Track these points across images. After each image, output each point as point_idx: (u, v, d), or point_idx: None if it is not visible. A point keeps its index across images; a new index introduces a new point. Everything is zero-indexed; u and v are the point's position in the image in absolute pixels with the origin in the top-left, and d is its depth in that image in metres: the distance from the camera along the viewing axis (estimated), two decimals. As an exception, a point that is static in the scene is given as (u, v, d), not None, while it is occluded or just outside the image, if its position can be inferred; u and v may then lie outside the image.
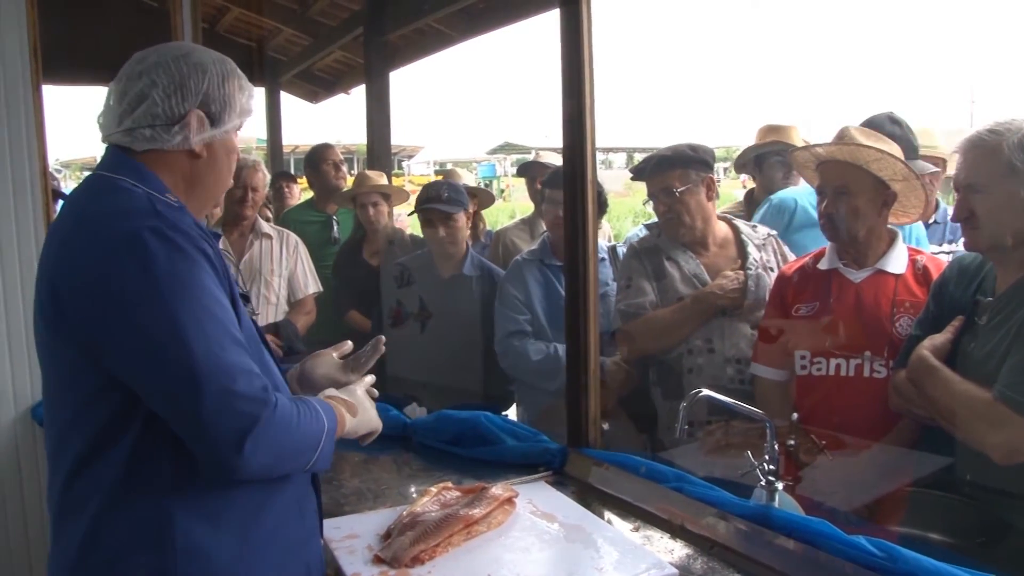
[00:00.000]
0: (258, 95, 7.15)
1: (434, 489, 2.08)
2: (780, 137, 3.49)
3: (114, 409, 1.47)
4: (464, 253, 3.53)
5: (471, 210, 3.63)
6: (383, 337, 1.93)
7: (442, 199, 3.41)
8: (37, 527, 2.88)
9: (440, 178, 5.08)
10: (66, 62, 3.00)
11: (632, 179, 3.18)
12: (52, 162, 3.18)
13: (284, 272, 3.98)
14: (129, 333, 1.41)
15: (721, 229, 2.93)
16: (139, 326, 1.40)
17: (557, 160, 3.89)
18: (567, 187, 2.30)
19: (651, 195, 2.89)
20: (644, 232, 3.13)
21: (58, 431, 1.55)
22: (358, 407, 1.75)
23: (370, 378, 1.86)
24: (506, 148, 30.56)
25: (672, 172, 2.82)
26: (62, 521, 1.54)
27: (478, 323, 3.48)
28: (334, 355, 1.89)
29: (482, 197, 4.45)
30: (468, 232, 3.58)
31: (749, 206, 3.51)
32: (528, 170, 4.46)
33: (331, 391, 1.76)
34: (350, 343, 1.94)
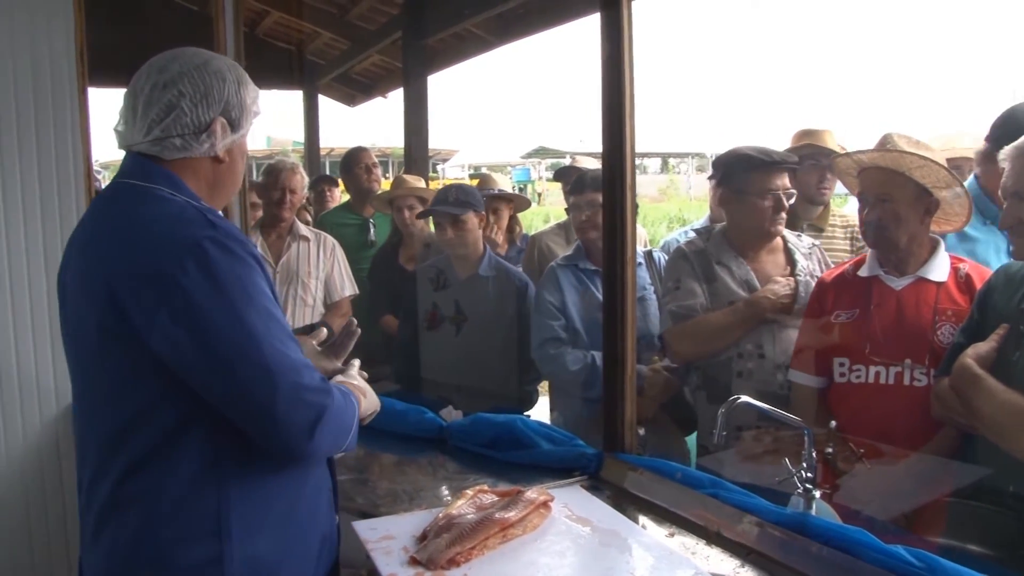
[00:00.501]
0: (296, 98, 7.23)
1: (470, 492, 2.08)
2: (815, 141, 3.46)
3: (176, 413, 1.54)
4: (480, 254, 3.53)
5: (484, 210, 3.62)
6: (355, 320, 2.01)
7: (448, 201, 3.42)
8: (76, 522, 2.92)
9: (475, 182, 5.10)
10: (110, 66, 3.06)
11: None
12: (94, 164, 3.23)
13: (321, 274, 4.03)
14: (203, 339, 1.47)
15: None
16: (213, 331, 1.48)
17: (593, 165, 3.89)
18: (606, 191, 2.30)
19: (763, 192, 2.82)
20: (690, 235, 3.12)
21: (108, 435, 1.58)
22: (366, 390, 1.87)
23: (356, 361, 1.96)
24: (540, 152, 30.59)
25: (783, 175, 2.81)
26: (108, 518, 1.58)
27: (495, 324, 3.49)
28: (313, 343, 1.93)
29: (518, 202, 4.44)
30: (480, 234, 3.55)
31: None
32: (564, 175, 4.46)
33: (339, 377, 1.86)
34: (325, 331, 2.01)
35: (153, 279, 1.48)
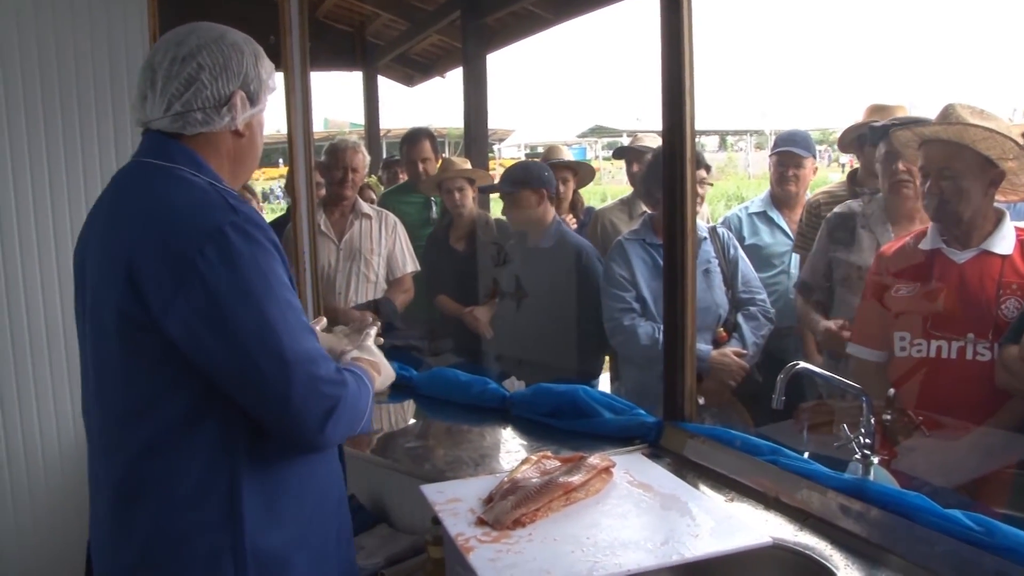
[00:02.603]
0: (355, 79, 7.32)
1: (534, 457, 2.14)
2: (886, 116, 3.43)
3: (190, 398, 1.53)
4: (547, 227, 3.58)
5: (555, 188, 3.66)
6: (371, 316, 2.04)
7: (506, 180, 3.49)
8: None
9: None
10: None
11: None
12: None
13: (383, 251, 4.10)
14: (220, 326, 1.46)
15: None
16: (230, 319, 1.46)
17: (656, 142, 3.91)
18: (666, 167, 2.33)
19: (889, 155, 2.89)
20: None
21: (119, 419, 1.58)
22: (380, 364, 1.88)
23: (373, 331, 1.97)
24: (597, 131, 30.41)
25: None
26: (121, 504, 1.59)
27: (559, 294, 3.54)
28: (317, 328, 1.92)
29: (583, 173, 4.43)
30: (544, 209, 3.60)
31: (852, 187, 3.46)
32: (625, 154, 4.48)
33: (355, 353, 1.87)
34: (325, 320, 2.06)
35: (173, 264, 1.46)
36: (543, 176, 3.59)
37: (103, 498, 1.63)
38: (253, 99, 1.67)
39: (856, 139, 3.49)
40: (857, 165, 3.62)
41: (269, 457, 1.59)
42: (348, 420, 1.61)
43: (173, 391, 1.54)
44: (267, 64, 1.70)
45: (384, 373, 1.89)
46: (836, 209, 3.10)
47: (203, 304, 1.45)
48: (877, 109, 3.45)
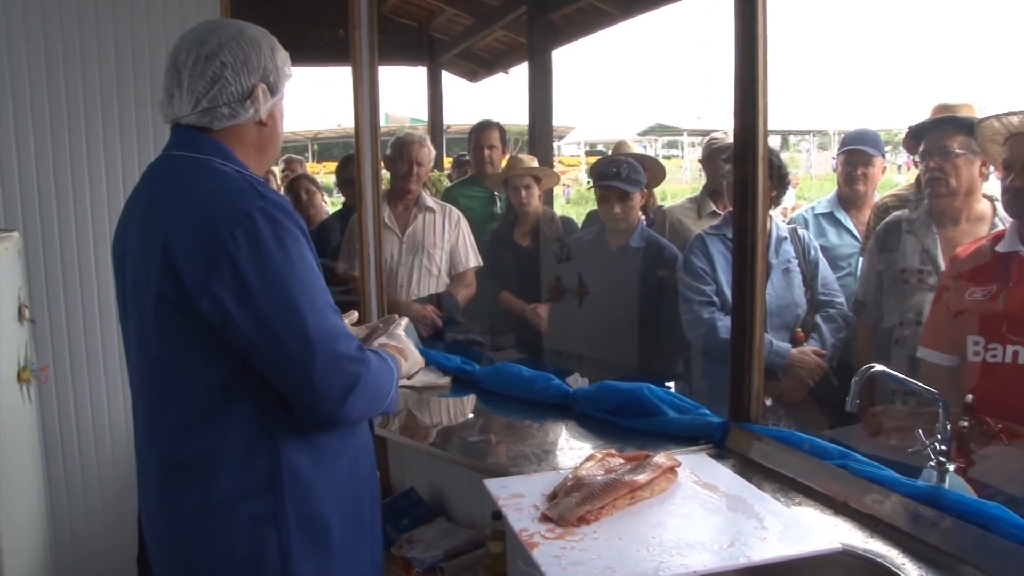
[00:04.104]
0: (416, 74, 7.35)
1: (598, 455, 2.13)
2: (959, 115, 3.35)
3: (226, 374, 1.63)
4: (635, 226, 3.56)
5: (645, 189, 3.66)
6: (397, 315, 2.13)
7: (621, 177, 3.45)
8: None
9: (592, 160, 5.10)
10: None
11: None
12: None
13: (446, 245, 4.12)
14: (248, 306, 1.55)
15: (980, 208, 2.85)
16: (258, 300, 1.55)
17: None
18: (737, 166, 2.30)
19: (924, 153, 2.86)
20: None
21: (159, 395, 1.69)
22: (407, 350, 1.98)
23: (403, 321, 2.08)
24: (657, 130, 30.16)
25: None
26: (167, 479, 1.69)
27: (640, 295, 3.51)
28: (346, 322, 2.01)
29: (654, 170, 4.41)
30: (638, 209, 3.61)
31: (921, 189, 3.39)
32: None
33: (383, 339, 1.97)
34: (356, 314, 2.11)
35: (205, 248, 1.55)
36: (644, 175, 3.60)
37: (150, 471, 1.74)
38: (273, 89, 1.76)
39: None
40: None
41: (306, 429, 1.68)
42: (369, 397, 1.69)
43: (210, 367, 1.63)
44: (282, 53, 1.79)
45: (411, 359, 1.97)
46: (884, 221, 3.05)
47: (232, 284, 1.55)
48: (943, 108, 3.36)
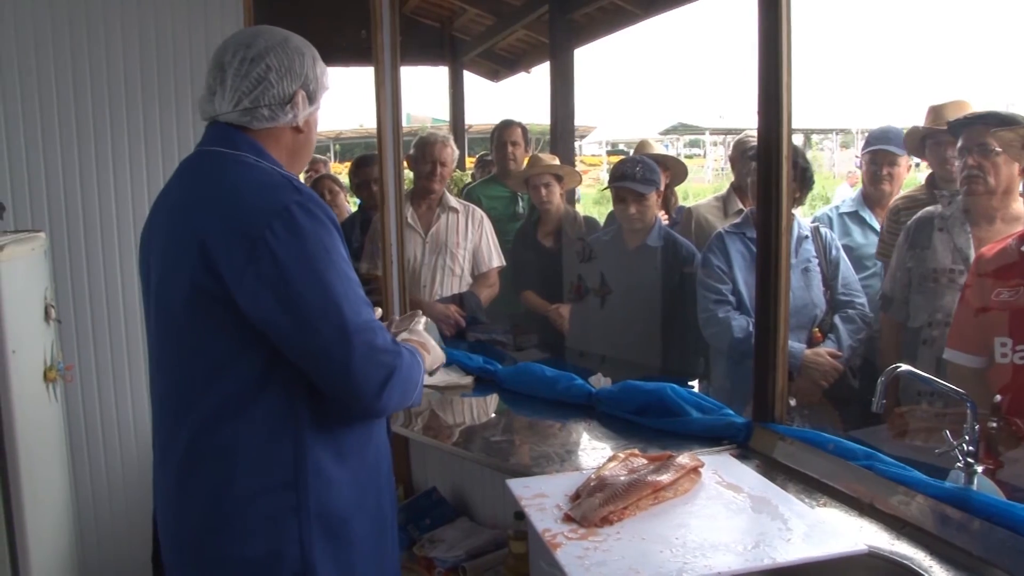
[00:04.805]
0: (437, 75, 7.37)
1: (621, 455, 2.12)
2: (956, 114, 3.33)
3: (256, 367, 1.64)
4: (652, 225, 3.54)
5: (663, 187, 3.64)
6: (420, 311, 2.16)
7: (636, 178, 3.43)
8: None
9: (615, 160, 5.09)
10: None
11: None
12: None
13: (469, 245, 4.11)
14: (287, 297, 1.57)
15: (1017, 208, 2.80)
16: (296, 291, 1.57)
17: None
18: (761, 165, 2.29)
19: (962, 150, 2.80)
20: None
21: (187, 388, 1.69)
22: (429, 345, 1.99)
23: (423, 319, 2.10)
24: (679, 129, 30.07)
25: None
26: (188, 471, 1.69)
27: (660, 294, 3.50)
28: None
29: (675, 169, 4.38)
30: (658, 209, 3.59)
31: (932, 190, 3.36)
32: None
33: (404, 335, 1.98)
34: (379, 310, 2.12)
35: (244, 239, 1.57)
36: (660, 175, 3.58)
37: (170, 465, 1.73)
38: (312, 98, 1.81)
39: (920, 141, 3.40)
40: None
41: (330, 425, 1.70)
42: (402, 389, 1.71)
43: (239, 360, 1.64)
44: (322, 66, 1.83)
45: (433, 354, 1.99)
46: (916, 216, 3.01)
47: (271, 276, 1.57)
48: (935, 109, 3.34)
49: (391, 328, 2.04)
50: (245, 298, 1.58)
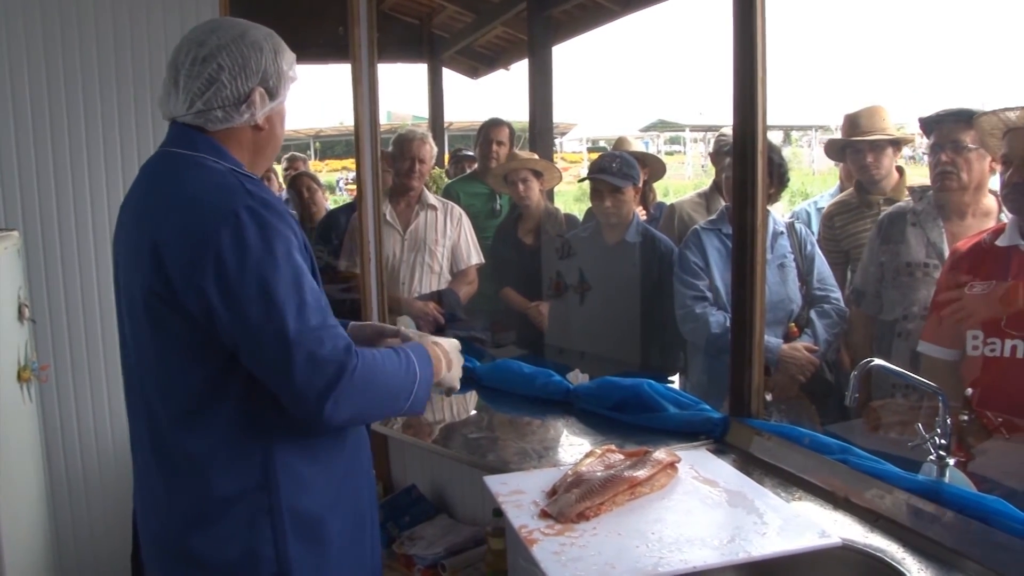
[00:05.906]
0: (417, 72, 7.34)
1: (598, 451, 2.13)
2: (870, 122, 3.39)
3: (214, 370, 1.62)
4: (629, 221, 3.55)
5: (641, 183, 3.65)
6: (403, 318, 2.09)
7: (612, 171, 3.44)
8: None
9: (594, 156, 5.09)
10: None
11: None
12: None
13: (448, 243, 4.11)
14: (232, 304, 1.54)
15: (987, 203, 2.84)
16: (240, 297, 1.54)
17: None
18: (737, 162, 2.30)
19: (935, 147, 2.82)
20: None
21: (152, 390, 1.68)
22: (455, 364, 1.91)
23: (408, 321, 2.02)
24: (659, 126, 30.13)
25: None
26: (160, 476, 1.69)
27: (639, 290, 3.50)
28: (402, 328, 1.99)
29: (653, 166, 4.38)
30: (635, 205, 3.59)
31: (861, 194, 3.42)
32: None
33: (437, 338, 1.92)
34: (409, 319, 2.10)
35: (192, 244, 1.55)
36: (639, 172, 3.59)
37: (146, 467, 1.74)
38: (272, 93, 1.74)
39: (840, 151, 3.53)
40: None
41: (299, 425, 1.66)
42: (358, 399, 1.60)
43: (200, 363, 1.62)
44: (287, 56, 1.77)
45: (454, 372, 1.91)
46: (888, 211, 3.04)
47: (216, 280, 1.54)
48: (850, 118, 3.43)
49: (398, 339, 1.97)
50: (193, 303, 1.56)
